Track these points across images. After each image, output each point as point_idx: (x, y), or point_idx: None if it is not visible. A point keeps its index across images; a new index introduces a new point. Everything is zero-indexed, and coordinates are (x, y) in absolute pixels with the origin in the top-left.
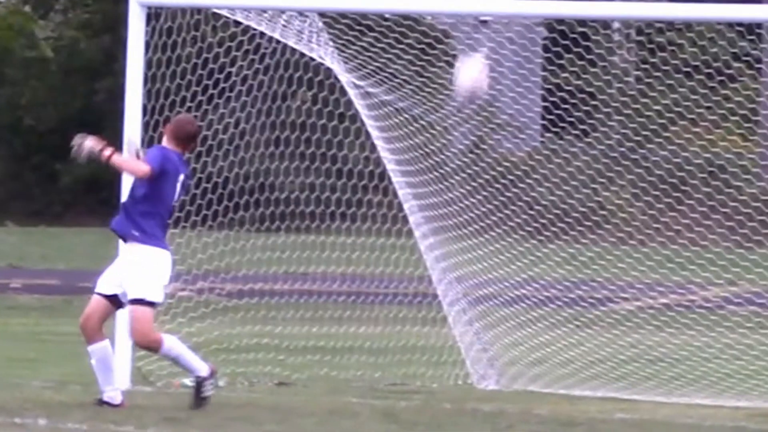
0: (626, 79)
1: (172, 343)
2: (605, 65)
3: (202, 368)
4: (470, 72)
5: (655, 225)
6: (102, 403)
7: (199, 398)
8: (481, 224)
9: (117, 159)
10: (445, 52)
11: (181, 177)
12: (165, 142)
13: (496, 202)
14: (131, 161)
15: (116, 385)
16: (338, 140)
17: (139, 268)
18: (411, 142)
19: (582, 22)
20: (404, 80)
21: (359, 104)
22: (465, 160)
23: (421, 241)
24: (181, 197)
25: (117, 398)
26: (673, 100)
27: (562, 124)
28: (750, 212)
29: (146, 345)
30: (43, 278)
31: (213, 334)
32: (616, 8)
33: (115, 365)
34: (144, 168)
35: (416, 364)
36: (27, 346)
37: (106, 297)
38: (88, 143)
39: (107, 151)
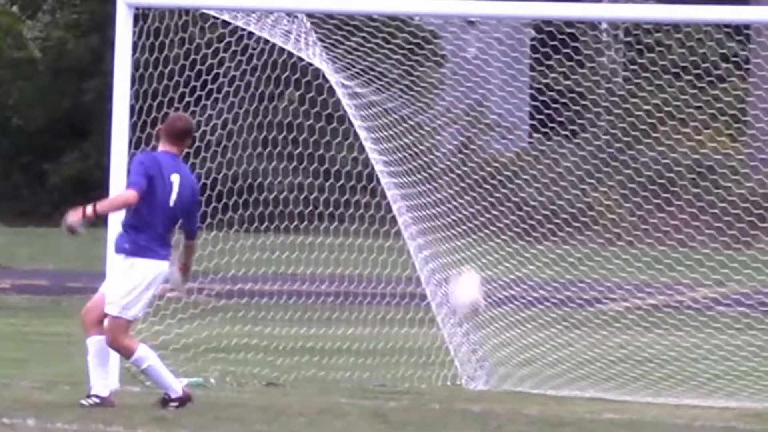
0: (614, 80)
1: (145, 355)
2: (593, 66)
3: (176, 389)
4: (467, 289)
5: (644, 226)
6: (89, 396)
7: (160, 405)
8: (470, 225)
9: (101, 206)
10: (433, 53)
11: (176, 177)
12: (160, 143)
13: (484, 203)
14: (114, 198)
15: (107, 381)
16: (326, 141)
17: (119, 283)
18: (399, 142)
19: (570, 23)
20: (392, 80)
21: (347, 105)
22: (453, 160)
23: (409, 242)
24: (193, 197)
25: (104, 392)
26: (661, 100)
27: (550, 125)
28: (738, 213)
29: (116, 349)
30: (31, 278)
31: (202, 334)
32: (604, 9)
33: (110, 361)
34: (130, 194)
35: (405, 365)
36: (15, 346)
37: None
38: (70, 218)
39: (89, 209)
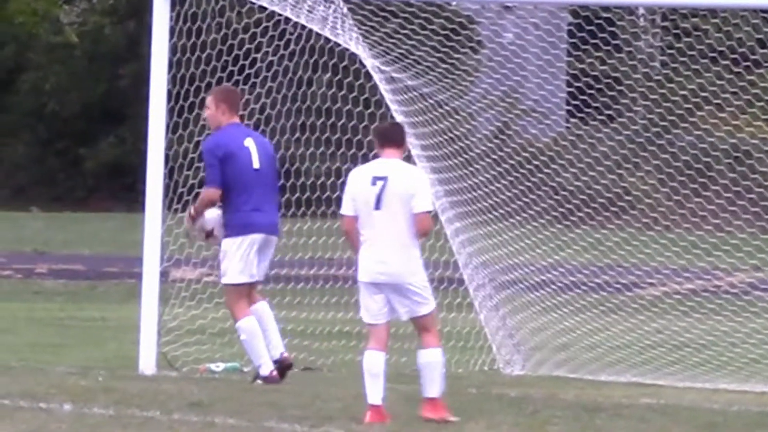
0: (651, 64)
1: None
2: (630, 51)
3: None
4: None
5: (681, 211)
6: (256, 378)
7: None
8: (507, 209)
9: (195, 207)
10: (469, 38)
11: (248, 142)
12: (222, 118)
13: (521, 188)
14: (200, 199)
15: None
16: (363, 126)
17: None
18: (436, 127)
19: (607, 8)
20: (429, 66)
21: (384, 89)
22: (490, 145)
23: (447, 227)
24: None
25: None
26: (698, 85)
27: (586, 110)
28: None
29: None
30: (67, 263)
31: None
32: None
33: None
34: (207, 192)
35: (442, 349)
36: (51, 331)
37: None
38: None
39: (191, 210)
